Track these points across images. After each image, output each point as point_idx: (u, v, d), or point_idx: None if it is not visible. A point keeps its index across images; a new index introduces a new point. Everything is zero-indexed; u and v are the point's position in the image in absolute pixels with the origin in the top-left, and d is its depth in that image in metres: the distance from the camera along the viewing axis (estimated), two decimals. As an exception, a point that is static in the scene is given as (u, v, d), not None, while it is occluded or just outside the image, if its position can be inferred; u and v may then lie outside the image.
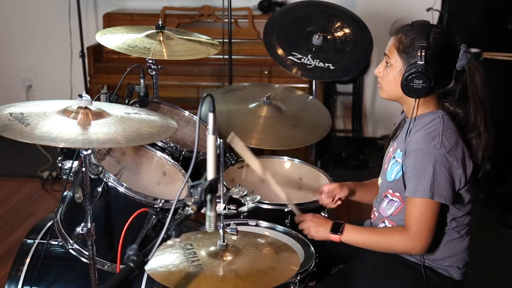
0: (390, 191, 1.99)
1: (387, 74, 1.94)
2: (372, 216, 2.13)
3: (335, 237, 1.97)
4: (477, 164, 1.92)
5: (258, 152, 2.87)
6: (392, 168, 1.97)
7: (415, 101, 1.89)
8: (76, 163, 2.08)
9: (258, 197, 2.13)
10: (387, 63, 1.94)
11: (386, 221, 2.03)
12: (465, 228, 1.98)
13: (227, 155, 2.38)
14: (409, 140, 1.88)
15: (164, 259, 1.60)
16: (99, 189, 2.01)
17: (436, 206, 1.84)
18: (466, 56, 1.90)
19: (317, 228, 2.02)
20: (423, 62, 1.83)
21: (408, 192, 1.87)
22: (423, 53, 1.83)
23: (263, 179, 2.65)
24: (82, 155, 1.84)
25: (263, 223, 2.21)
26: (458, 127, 1.91)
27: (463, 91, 1.92)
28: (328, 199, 2.21)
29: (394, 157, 1.98)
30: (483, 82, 1.91)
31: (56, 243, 2.18)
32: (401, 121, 2.10)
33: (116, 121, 1.80)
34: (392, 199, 1.99)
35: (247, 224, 2.21)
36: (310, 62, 2.76)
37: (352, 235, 1.97)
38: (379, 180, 2.11)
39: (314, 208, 2.32)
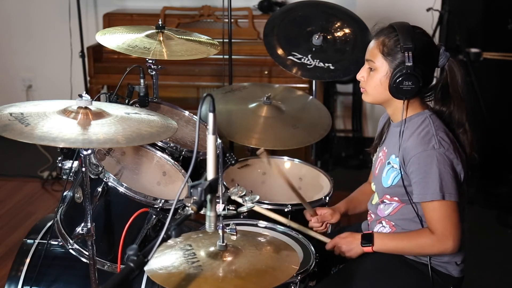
0: (388, 196, 1.99)
1: (371, 78, 1.93)
2: (368, 218, 2.14)
3: (368, 249, 1.97)
4: (468, 158, 1.93)
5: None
6: (388, 174, 1.97)
7: (404, 103, 1.89)
8: (76, 163, 2.08)
9: (257, 197, 2.12)
10: (370, 68, 1.94)
11: (383, 222, 2.03)
12: (461, 223, 1.98)
13: (227, 155, 2.38)
14: (405, 147, 1.88)
15: (164, 260, 1.60)
16: (99, 189, 2.00)
17: (452, 204, 1.85)
18: (446, 55, 1.91)
19: (349, 247, 2.02)
20: (411, 63, 1.83)
21: (417, 197, 1.87)
22: (410, 54, 1.83)
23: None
24: (82, 155, 1.84)
25: (264, 223, 2.22)
26: (445, 124, 1.93)
27: (445, 90, 1.93)
28: (318, 223, 2.20)
29: (389, 163, 1.97)
30: (463, 79, 1.92)
31: (56, 243, 2.18)
32: (385, 125, 2.10)
33: (116, 121, 1.80)
34: (389, 203, 2.00)
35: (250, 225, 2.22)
36: (310, 62, 2.76)
37: (383, 244, 1.97)
38: (373, 186, 2.11)
39: (314, 207, 2.32)
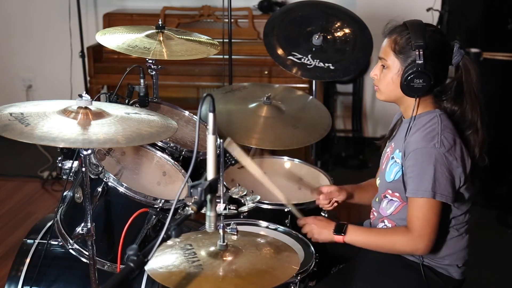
0: (390, 191, 1.99)
1: (384, 76, 1.94)
2: (371, 216, 2.13)
3: (338, 238, 1.96)
4: (475, 161, 1.92)
5: (258, 152, 2.87)
6: (391, 168, 1.97)
7: (415, 100, 1.89)
8: (76, 163, 2.08)
9: (258, 197, 2.13)
10: (383, 66, 1.94)
11: (385, 221, 2.03)
12: (464, 226, 1.98)
13: (227, 155, 2.38)
14: (408, 141, 1.88)
15: (164, 259, 1.60)
16: (99, 189, 2.00)
17: (438, 205, 1.84)
18: (460, 53, 1.91)
19: (320, 230, 2.01)
20: (422, 61, 1.83)
21: (410, 192, 1.87)
22: (421, 52, 1.83)
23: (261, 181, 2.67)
24: (82, 155, 1.84)
25: (264, 223, 2.22)
26: (455, 124, 1.92)
27: (459, 88, 1.93)
28: (325, 200, 2.21)
29: (392, 158, 1.98)
30: (478, 77, 1.92)
31: (56, 243, 2.18)
32: (397, 121, 2.10)
33: (116, 121, 1.80)
34: (391, 199, 2.00)
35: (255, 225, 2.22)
36: (310, 62, 2.76)
37: (355, 236, 1.96)
38: (377, 181, 2.11)
39: (314, 208, 2.32)
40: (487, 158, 1.95)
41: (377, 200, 2.10)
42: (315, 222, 2.04)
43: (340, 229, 1.96)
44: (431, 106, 1.94)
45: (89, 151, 1.86)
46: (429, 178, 1.82)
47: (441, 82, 1.93)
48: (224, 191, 1.72)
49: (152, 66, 2.59)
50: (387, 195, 2.01)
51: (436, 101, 1.96)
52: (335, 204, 2.23)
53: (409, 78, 1.85)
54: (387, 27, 1.96)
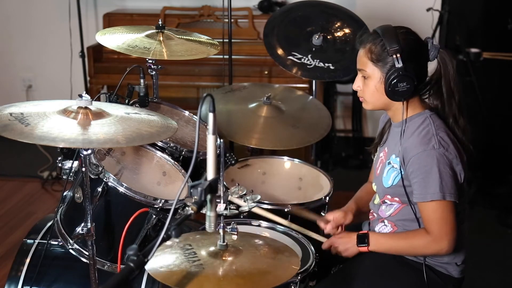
0: (389, 196, 1.99)
1: (367, 86, 1.93)
2: (370, 217, 2.14)
3: (363, 249, 1.98)
4: (466, 152, 1.93)
5: (258, 152, 2.87)
6: (388, 174, 1.97)
7: (403, 104, 1.90)
8: (76, 163, 2.08)
9: (258, 197, 2.13)
10: (363, 77, 1.94)
11: (385, 221, 2.03)
12: (461, 224, 1.98)
13: (227, 155, 2.38)
14: (405, 147, 1.88)
15: (165, 259, 1.60)
16: (99, 189, 2.00)
17: (450, 204, 1.85)
18: (436, 47, 1.91)
19: (345, 247, 2.02)
20: (402, 65, 1.83)
21: (418, 197, 1.87)
22: (398, 56, 1.83)
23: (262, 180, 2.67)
24: (82, 155, 1.84)
25: (263, 223, 2.22)
26: (443, 120, 1.93)
27: (437, 82, 1.93)
28: (333, 229, 2.13)
29: (389, 163, 1.97)
30: (455, 69, 1.92)
31: (56, 243, 2.18)
32: (385, 125, 2.10)
33: (116, 121, 1.80)
34: (391, 203, 2.00)
35: (250, 224, 2.22)
36: (310, 62, 2.76)
37: (378, 244, 1.97)
38: (374, 186, 2.11)
39: (314, 207, 2.32)
40: (472, 148, 1.94)
41: (375, 203, 2.10)
42: (338, 241, 2.05)
43: (363, 240, 1.98)
44: (420, 107, 1.94)
45: (89, 151, 1.86)
46: (435, 180, 1.82)
47: (423, 80, 1.93)
48: (223, 191, 1.72)
49: (152, 66, 2.59)
50: (386, 200, 2.01)
51: (423, 101, 1.97)
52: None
53: (392, 83, 1.85)
54: (359, 39, 1.95)
